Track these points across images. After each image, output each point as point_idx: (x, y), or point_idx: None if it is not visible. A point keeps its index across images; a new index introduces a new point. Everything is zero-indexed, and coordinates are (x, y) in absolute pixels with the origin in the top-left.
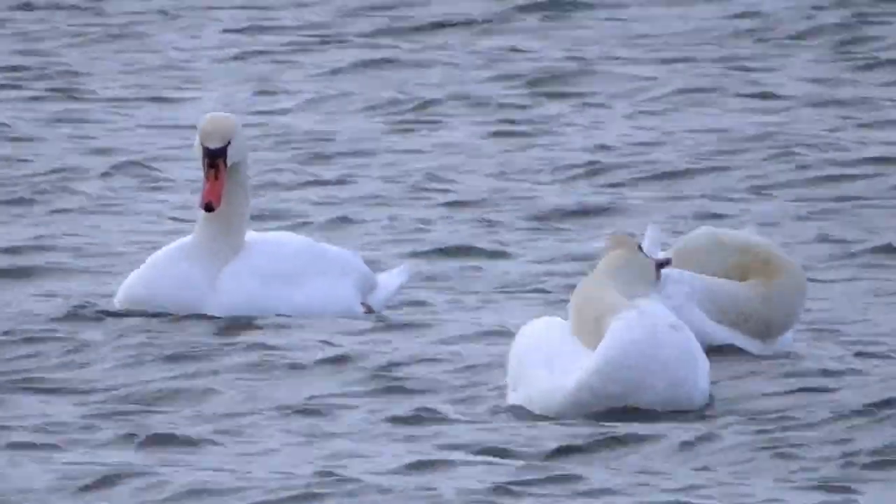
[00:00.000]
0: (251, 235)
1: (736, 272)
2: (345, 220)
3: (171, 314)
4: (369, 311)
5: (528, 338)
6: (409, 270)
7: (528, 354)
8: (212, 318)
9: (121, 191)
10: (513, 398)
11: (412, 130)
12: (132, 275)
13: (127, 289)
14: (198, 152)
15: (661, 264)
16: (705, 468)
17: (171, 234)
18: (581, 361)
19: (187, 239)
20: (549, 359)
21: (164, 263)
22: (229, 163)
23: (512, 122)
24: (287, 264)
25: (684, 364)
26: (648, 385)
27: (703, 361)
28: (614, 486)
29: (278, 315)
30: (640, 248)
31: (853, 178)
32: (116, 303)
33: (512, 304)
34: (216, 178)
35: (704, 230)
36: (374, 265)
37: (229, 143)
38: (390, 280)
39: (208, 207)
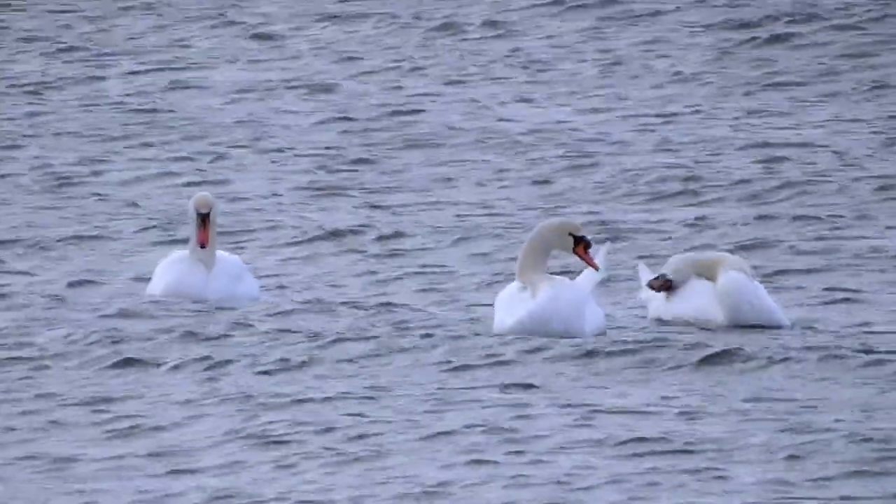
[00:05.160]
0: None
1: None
2: None
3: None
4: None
5: (501, 295)
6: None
7: (499, 303)
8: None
9: None
10: (495, 325)
11: None
12: (157, 273)
13: (159, 283)
14: (192, 213)
15: (582, 240)
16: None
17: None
18: (525, 307)
19: (184, 252)
20: (509, 305)
21: (179, 268)
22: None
23: None
24: (237, 269)
25: (576, 317)
26: (554, 327)
27: (588, 314)
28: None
29: (237, 298)
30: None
31: None
32: (149, 292)
33: None
34: (205, 228)
35: (678, 257)
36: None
37: (211, 209)
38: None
39: (202, 245)
